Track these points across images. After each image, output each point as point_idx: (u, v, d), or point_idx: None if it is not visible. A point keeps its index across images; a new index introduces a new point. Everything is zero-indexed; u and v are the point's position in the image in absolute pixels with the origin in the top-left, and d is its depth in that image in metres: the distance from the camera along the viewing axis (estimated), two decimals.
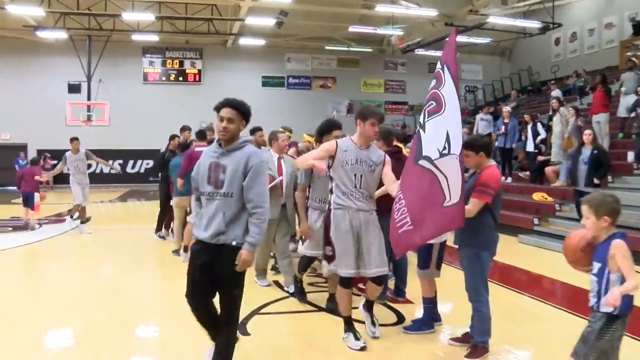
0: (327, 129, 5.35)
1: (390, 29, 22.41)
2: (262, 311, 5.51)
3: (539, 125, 12.64)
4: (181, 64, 25.34)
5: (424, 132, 4.03)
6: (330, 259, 4.47)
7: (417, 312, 5.37)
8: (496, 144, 13.26)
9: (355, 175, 4.43)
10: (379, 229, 4.51)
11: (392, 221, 4.12)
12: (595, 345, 3.03)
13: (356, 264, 4.40)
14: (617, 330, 3.02)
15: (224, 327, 3.68)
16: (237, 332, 3.89)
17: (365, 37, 24.96)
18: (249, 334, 4.81)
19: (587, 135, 9.35)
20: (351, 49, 25.73)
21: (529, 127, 12.53)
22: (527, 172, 13.15)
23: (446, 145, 3.91)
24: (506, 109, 14.02)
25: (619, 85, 13.76)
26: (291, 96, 25.70)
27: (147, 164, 24.65)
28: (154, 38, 23.20)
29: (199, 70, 25.40)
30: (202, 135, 8.64)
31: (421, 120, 4.10)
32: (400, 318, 5.34)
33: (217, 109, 3.67)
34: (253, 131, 6.98)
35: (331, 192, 4.54)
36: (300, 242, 5.90)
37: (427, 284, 5.00)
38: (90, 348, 4.55)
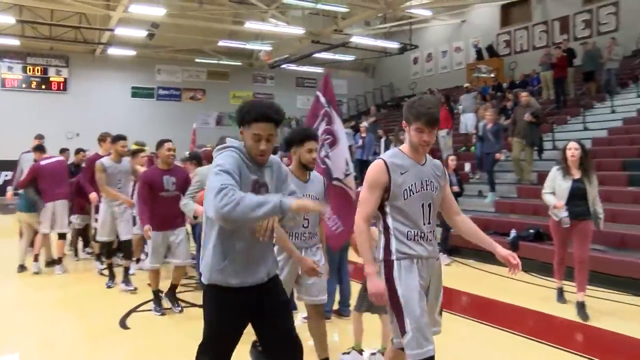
0: (298, 140, 4.07)
1: (259, 44, 23.28)
2: (139, 309, 6.10)
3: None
4: (45, 71, 24.38)
5: (330, 160, 5.41)
6: (402, 332, 2.99)
7: None
8: (355, 156, 14.48)
9: (423, 205, 3.07)
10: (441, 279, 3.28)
11: (327, 227, 5.20)
12: (364, 298, 4.26)
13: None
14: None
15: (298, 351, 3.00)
16: None
17: (235, 51, 25.59)
18: (128, 328, 5.46)
19: (452, 160, 9.63)
20: (221, 62, 26.22)
21: (382, 140, 13.85)
22: None
23: (347, 167, 5.45)
24: (363, 124, 15.33)
25: (459, 105, 15.64)
26: (161, 107, 25.63)
27: (6, 175, 23.45)
28: (14, 42, 22.23)
29: (65, 79, 24.60)
30: (42, 148, 8.69)
31: (324, 151, 5.41)
32: None
33: (249, 121, 2.77)
34: (159, 144, 6.15)
35: (385, 234, 3.12)
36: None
37: None
38: None
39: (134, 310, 6.07)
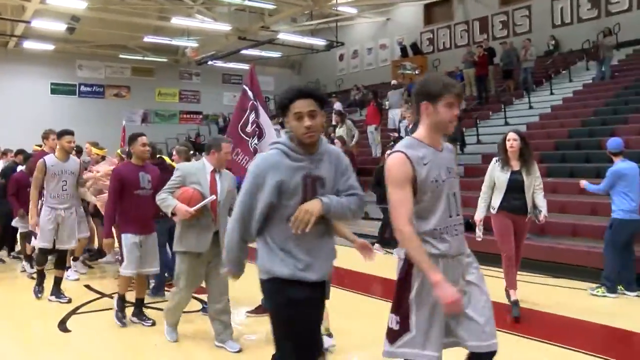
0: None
1: (186, 41, 22.93)
2: (78, 311, 5.98)
3: None
4: None
5: (260, 150, 5.43)
6: (395, 335, 2.70)
7: None
8: None
9: (448, 196, 2.72)
10: (482, 275, 2.85)
11: None
12: None
13: (446, 336, 2.73)
14: None
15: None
16: None
17: (160, 46, 25.04)
18: (69, 331, 5.37)
19: None
20: (146, 58, 25.61)
21: None
22: None
23: None
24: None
25: (386, 101, 16.10)
26: (84, 105, 24.63)
27: None
28: None
29: None
30: None
31: (256, 142, 5.72)
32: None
33: (286, 103, 2.67)
34: (133, 138, 5.53)
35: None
36: None
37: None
38: None
39: (73, 312, 5.93)
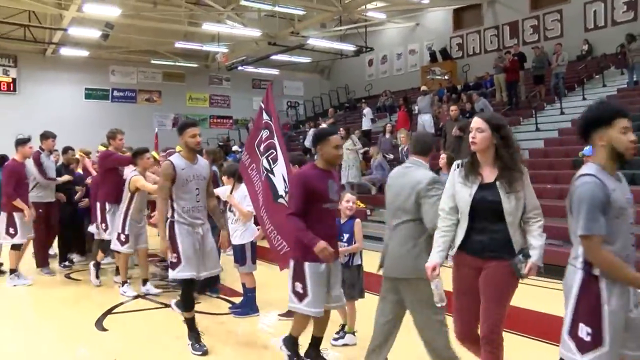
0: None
1: (216, 46, 23.21)
2: (114, 311, 6.12)
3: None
4: None
5: (274, 176, 5.20)
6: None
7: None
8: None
9: None
10: None
11: (273, 247, 5.18)
12: (355, 284, 4.85)
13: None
14: (361, 272, 4.90)
15: None
16: None
17: (191, 52, 25.40)
18: (106, 330, 5.49)
19: (442, 159, 8.42)
20: (177, 63, 25.98)
21: None
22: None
23: (285, 185, 5.11)
24: (322, 126, 15.57)
25: (415, 106, 16.12)
26: (116, 109, 25.11)
27: None
28: None
29: (14, 79, 23.85)
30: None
31: (267, 166, 5.27)
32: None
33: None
34: (324, 136, 4.15)
35: None
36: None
37: (248, 277, 5.96)
38: None
39: (109, 312, 6.07)
